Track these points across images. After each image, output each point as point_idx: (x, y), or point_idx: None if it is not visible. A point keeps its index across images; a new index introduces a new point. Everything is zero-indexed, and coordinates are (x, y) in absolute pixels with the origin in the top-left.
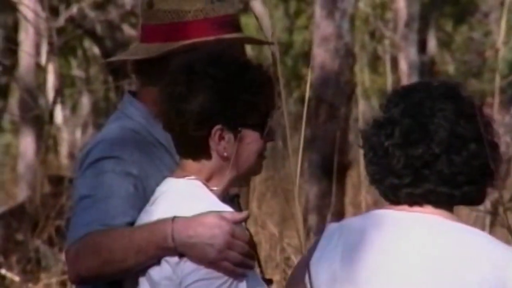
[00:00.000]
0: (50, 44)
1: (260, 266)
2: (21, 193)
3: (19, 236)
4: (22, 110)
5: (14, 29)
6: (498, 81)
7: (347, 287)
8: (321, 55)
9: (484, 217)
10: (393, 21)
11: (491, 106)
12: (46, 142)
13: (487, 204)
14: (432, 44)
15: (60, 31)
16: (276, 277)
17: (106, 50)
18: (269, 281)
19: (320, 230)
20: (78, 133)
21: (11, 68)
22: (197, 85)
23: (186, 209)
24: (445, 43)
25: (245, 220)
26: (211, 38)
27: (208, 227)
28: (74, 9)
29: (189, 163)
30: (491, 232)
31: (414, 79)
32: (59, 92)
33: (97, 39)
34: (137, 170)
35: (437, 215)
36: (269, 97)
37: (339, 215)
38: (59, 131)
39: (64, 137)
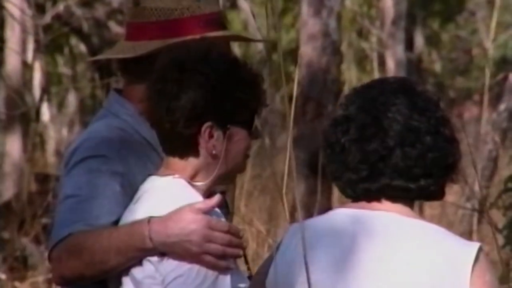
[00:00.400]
0: (37, 41)
1: (247, 263)
2: (8, 191)
3: (5, 234)
4: (8, 108)
5: (0, 26)
6: (488, 79)
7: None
8: (308, 53)
9: (472, 215)
10: (380, 19)
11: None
12: (33, 140)
13: (475, 202)
14: (419, 42)
15: (47, 28)
16: None
17: (92, 48)
18: None
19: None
20: (65, 131)
21: None
22: (188, 82)
23: (168, 208)
24: (432, 41)
25: (217, 204)
26: (198, 36)
27: (184, 224)
28: (60, 7)
29: (174, 161)
30: (479, 230)
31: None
32: (45, 89)
33: (84, 37)
34: (124, 168)
35: (394, 212)
36: (258, 95)
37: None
38: (45, 129)
39: (51, 135)
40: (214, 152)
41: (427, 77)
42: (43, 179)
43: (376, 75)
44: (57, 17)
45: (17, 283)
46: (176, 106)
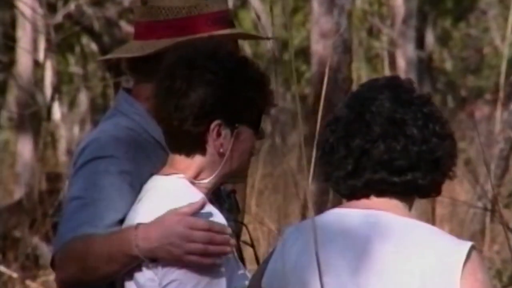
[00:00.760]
0: (48, 41)
1: (258, 262)
2: (19, 190)
3: (17, 233)
4: (19, 107)
5: (11, 26)
6: (503, 78)
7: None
8: (319, 51)
9: (484, 214)
10: (390, 18)
11: (492, 102)
12: (44, 139)
13: (486, 201)
14: (430, 40)
15: (58, 27)
16: None
17: (104, 47)
18: None
19: None
20: (76, 130)
21: (9, 65)
22: (197, 79)
23: (169, 209)
24: (443, 40)
25: (202, 206)
26: (206, 34)
27: (165, 227)
28: (71, 6)
29: (180, 159)
30: (490, 229)
31: (412, 75)
32: (56, 89)
33: (95, 36)
34: (132, 167)
35: (386, 210)
36: (266, 94)
37: None
38: (57, 128)
39: (62, 134)
40: (221, 150)
41: (438, 76)
42: (54, 178)
43: (387, 73)
44: (69, 17)
45: (28, 282)
46: (185, 104)
